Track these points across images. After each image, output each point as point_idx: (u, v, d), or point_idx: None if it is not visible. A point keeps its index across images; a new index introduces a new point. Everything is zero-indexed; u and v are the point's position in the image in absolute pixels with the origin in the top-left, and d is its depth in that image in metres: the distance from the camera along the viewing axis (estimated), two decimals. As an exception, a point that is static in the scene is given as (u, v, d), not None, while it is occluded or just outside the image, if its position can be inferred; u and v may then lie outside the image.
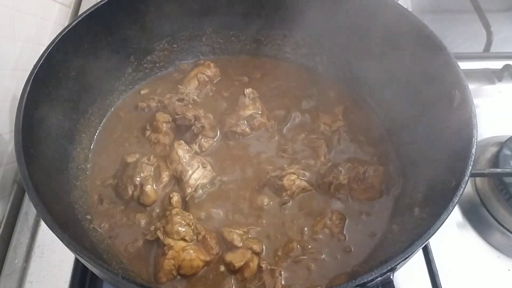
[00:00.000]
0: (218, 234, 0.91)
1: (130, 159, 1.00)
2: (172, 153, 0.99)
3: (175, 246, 0.86)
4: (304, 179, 0.99)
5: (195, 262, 0.86)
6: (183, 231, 0.88)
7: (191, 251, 0.86)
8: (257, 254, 0.88)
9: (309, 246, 0.91)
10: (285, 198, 0.97)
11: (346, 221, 0.95)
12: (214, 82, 1.18)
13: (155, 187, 0.97)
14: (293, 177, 0.98)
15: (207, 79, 1.16)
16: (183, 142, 1.02)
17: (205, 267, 0.88)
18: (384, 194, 0.98)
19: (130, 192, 0.95)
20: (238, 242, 0.88)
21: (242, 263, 0.85)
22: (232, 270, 0.87)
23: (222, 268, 0.87)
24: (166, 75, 1.20)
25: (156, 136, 1.05)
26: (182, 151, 0.99)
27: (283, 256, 0.90)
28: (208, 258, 0.88)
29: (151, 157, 0.99)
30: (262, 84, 1.17)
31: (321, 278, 0.87)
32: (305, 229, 0.93)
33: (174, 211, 0.90)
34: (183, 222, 0.89)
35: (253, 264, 0.86)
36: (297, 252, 0.90)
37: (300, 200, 0.97)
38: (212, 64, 1.18)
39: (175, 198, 0.95)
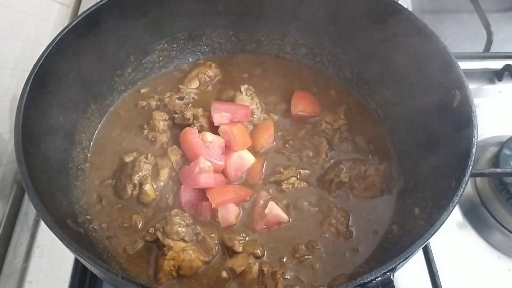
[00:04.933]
0: (217, 235, 0.91)
1: (127, 159, 1.00)
2: (165, 159, 1.00)
3: (175, 246, 0.86)
4: (303, 180, 0.99)
5: (194, 262, 0.86)
6: (183, 231, 0.88)
7: (191, 252, 0.86)
8: (258, 258, 0.88)
9: (315, 246, 0.91)
10: (287, 199, 0.97)
11: (350, 219, 0.95)
12: (215, 81, 1.18)
13: (154, 186, 0.97)
14: (292, 180, 0.98)
15: (208, 79, 1.17)
16: (176, 147, 1.02)
17: (206, 271, 0.88)
18: (385, 193, 0.98)
19: (129, 192, 0.96)
20: (238, 247, 0.88)
21: (243, 268, 0.85)
22: (234, 276, 0.87)
23: (225, 274, 0.87)
24: (166, 73, 1.20)
25: (154, 134, 1.05)
26: (175, 157, 1.00)
27: (289, 256, 0.90)
28: (207, 259, 0.88)
29: (149, 155, 0.99)
30: (263, 80, 1.18)
31: (325, 277, 0.88)
32: (310, 229, 0.93)
33: (173, 212, 0.90)
34: (183, 222, 0.89)
35: (254, 269, 0.86)
36: (302, 252, 0.90)
37: (303, 200, 0.97)
38: (213, 64, 1.18)
39: (171, 198, 0.96)
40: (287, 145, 1.05)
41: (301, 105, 1.10)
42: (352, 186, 0.98)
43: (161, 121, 1.05)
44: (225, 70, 1.20)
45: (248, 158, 1.01)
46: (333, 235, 0.93)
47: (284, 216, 0.93)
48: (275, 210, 0.93)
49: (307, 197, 0.98)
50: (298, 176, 1.00)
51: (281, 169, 1.01)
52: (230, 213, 0.93)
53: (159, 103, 1.11)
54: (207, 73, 1.16)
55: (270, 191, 0.98)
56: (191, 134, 1.00)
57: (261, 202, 0.94)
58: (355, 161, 1.01)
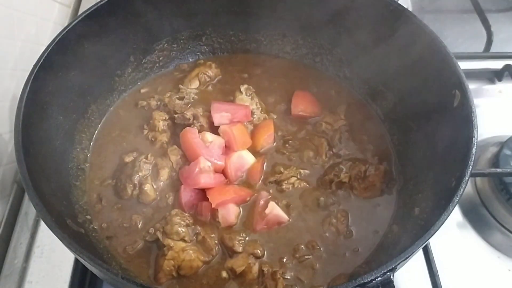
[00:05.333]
0: (217, 235, 0.91)
1: (127, 159, 1.00)
2: (166, 159, 1.00)
3: (175, 246, 0.86)
4: (303, 180, 1.00)
5: (194, 262, 0.86)
6: (183, 231, 0.88)
7: (191, 252, 0.86)
8: (258, 258, 0.88)
9: (315, 246, 0.91)
10: (287, 199, 0.97)
11: (350, 218, 0.95)
12: (215, 81, 1.18)
13: (154, 186, 0.97)
14: (292, 179, 0.98)
15: (208, 79, 1.17)
16: (176, 147, 1.02)
17: (206, 271, 0.88)
18: (385, 193, 0.98)
19: (129, 192, 0.96)
20: (238, 247, 0.88)
21: (243, 268, 0.85)
22: (234, 275, 0.87)
23: (225, 274, 0.87)
24: (166, 73, 1.20)
25: (154, 134, 1.05)
26: (175, 157, 1.00)
27: (289, 256, 0.90)
28: (207, 259, 0.88)
29: (149, 155, 0.99)
30: (263, 79, 1.17)
31: (325, 277, 0.88)
32: (310, 229, 0.93)
33: (173, 212, 0.90)
34: (183, 222, 0.89)
35: (254, 269, 0.86)
36: (303, 252, 0.90)
37: (303, 200, 0.97)
38: (213, 65, 1.18)
39: (171, 198, 0.96)
40: (287, 145, 1.05)
41: (301, 105, 1.10)
42: (352, 186, 0.98)
43: (161, 121, 1.05)
44: (225, 70, 1.20)
45: (248, 158, 1.01)
46: (333, 235, 0.93)
47: (284, 216, 0.93)
48: (275, 210, 0.93)
49: (307, 197, 0.98)
50: (298, 176, 1.00)
51: (281, 169, 1.01)
52: (230, 213, 0.93)
53: (159, 103, 1.11)
54: (207, 73, 1.16)
55: (271, 191, 0.98)
56: (191, 134, 1.00)
57: (262, 202, 0.94)
58: (355, 161, 1.01)
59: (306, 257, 0.90)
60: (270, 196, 0.97)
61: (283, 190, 0.98)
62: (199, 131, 1.02)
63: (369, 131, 1.08)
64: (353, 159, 1.03)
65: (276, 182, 0.99)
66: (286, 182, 0.98)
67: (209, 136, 1.00)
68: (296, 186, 0.98)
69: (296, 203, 0.97)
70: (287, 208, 0.96)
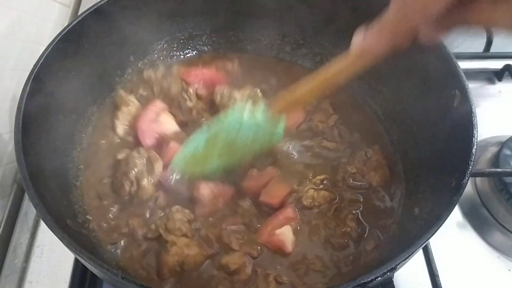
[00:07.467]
0: (218, 230, 0.91)
1: (120, 156, 0.99)
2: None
3: (178, 242, 0.86)
4: (321, 187, 0.96)
5: (198, 257, 0.86)
6: (185, 227, 0.88)
7: (195, 247, 0.86)
8: (254, 258, 0.88)
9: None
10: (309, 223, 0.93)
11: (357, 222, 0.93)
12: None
13: (151, 180, 0.95)
14: (311, 192, 0.94)
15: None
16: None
17: (200, 267, 0.87)
18: (395, 173, 0.98)
19: (127, 189, 0.94)
20: (235, 245, 0.88)
21: (237, 266, 0.85)
22: (227, 273, 0.86)
23: (216, 271, 0.86)
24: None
25: None
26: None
27: (286, 263, 0.88)
28: (210, 253, 0.88)
29: (141, 150, 0.97)
30: (264, 79, 1.15)
31: (324, 277, 0.87)
32: (315, 251, 0.90)
33: (174, 209, 0.90)
34: (184, 219, 0.89)
35: (248, 268, 0.85)
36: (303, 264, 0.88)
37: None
38: (236, 61, 1.15)
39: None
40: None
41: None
42: (362, 172, 0.97)
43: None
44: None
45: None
46: (338, 249, 0.90)
47: (288, 248, 0.88)
48: (285, 237, 0.88)
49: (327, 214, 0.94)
50: (317, 187, 0.96)
51: (295, 186, 0.96)
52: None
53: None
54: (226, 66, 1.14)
55: (297, 210, 0.93)
56: (152, 106, 1.02)
57: (281, 218, 0.89)
58: (354, 149, 1.02)
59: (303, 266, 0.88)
60: (293, 217, 0.91)
61: (306, 207, 0.93)
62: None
63: (369, 131, 1.08)
64: (351, 147, 1.03)
65: (296, 201, 0.94)
66: (304, 197, 0.93)
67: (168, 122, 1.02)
68: (315, 198, 0.93)
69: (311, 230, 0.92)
70: (299, 237, 0.90)
